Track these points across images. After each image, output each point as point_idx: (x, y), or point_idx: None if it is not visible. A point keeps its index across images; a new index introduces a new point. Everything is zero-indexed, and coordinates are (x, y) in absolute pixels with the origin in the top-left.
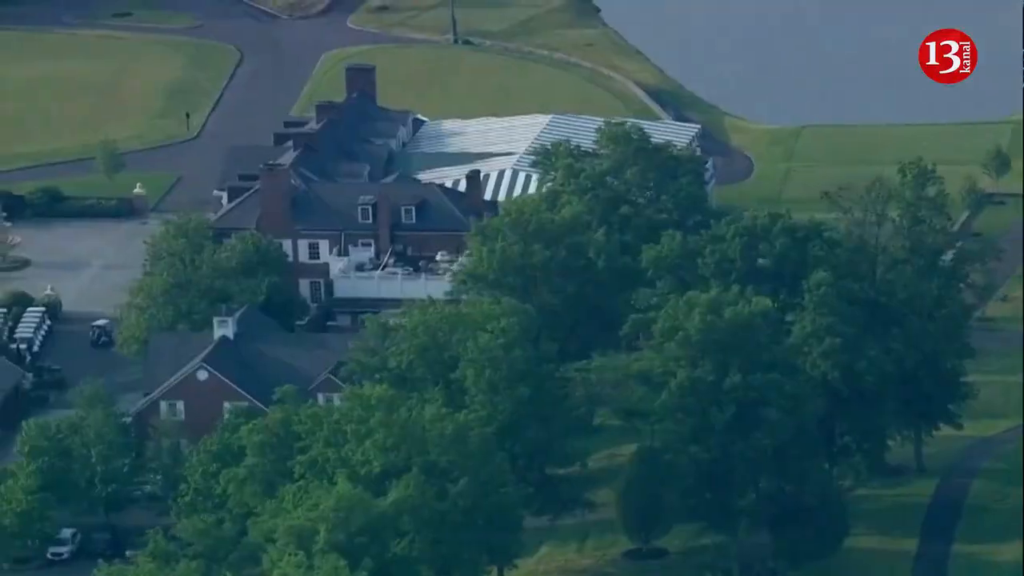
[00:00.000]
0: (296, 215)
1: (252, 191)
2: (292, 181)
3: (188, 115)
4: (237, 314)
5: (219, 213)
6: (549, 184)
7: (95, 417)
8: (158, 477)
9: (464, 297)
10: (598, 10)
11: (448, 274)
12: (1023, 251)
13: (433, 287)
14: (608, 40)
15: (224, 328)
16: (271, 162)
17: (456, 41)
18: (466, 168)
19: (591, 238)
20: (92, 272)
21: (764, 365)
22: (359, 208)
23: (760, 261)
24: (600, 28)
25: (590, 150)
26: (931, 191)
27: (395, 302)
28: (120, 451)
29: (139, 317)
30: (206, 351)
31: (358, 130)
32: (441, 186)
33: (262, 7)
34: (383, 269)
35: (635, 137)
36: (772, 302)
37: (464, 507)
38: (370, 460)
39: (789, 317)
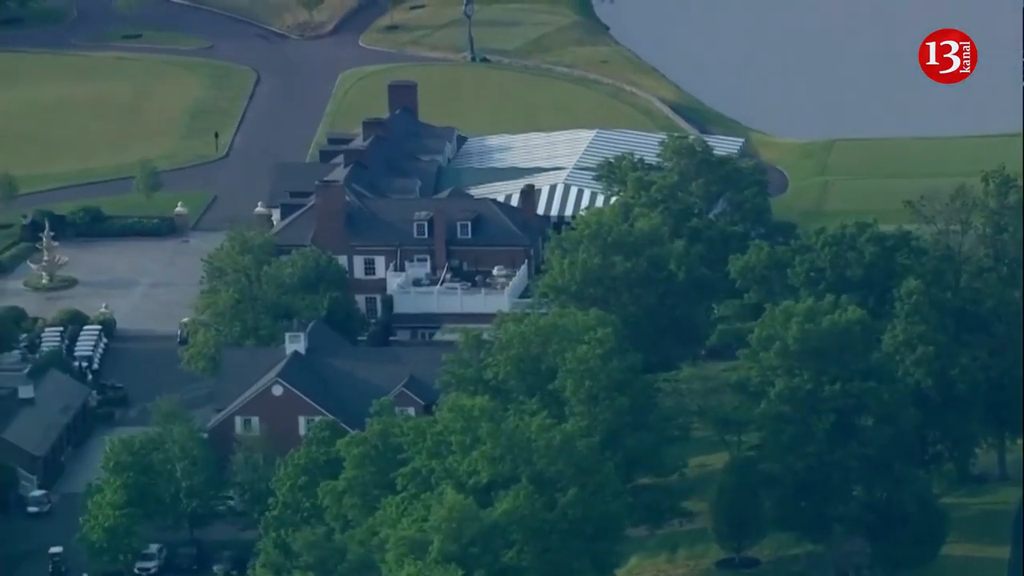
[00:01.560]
0: (351, 231)
1: (306, 208)
2: (347, 197)
3: (217, 135)
4: (308, 329)
5: (274, 230)
6: (614, 197)
7: (179, 433)
8: (245, 493)
9: (543, 310)
10: (607, 28)
11: (506, 288)
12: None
13: (493, 302)
14: (622, 57)
15: (296, 343)
16: (326, 179)
17: (474, 59)
18: (516, 183)
19: (671, 249)
20: (141, 290)
21: (861, 373)
22: (415, 224)
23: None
24: (612, 46)
25: (653, 163)
26: (1012, 199)
27: (455, 317)
28: (204, 466)
29: (206, 334)
30: (280, 366)
31: (405, 146)
32: (495, 201)
33: (272, 28)
34: (441, 284)
35: (699, 150)
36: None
37: (573, 517)
38: (478, 471)
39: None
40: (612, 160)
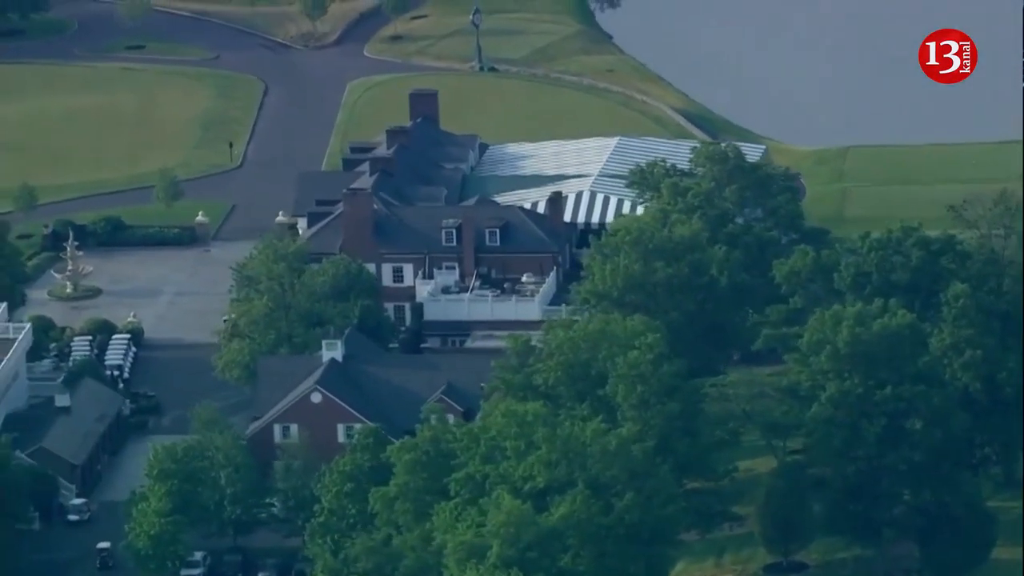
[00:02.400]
0: (379, 239)
1: (333, 216)
2: (374, 205)
3: (231, 144)
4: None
5: (301, 238)
6: (646, 204)
7: (222, 440)
8: (289, 500)
9: (578, 317)
10: (610, 37)
11: (537, 295)
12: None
13: (524, 309)
14: (628, 66)
15: (333, 351)
16: (353, 187)
17: (482, 68)
18: (541, 190)
19: (712, 255)
20: (166, 299)
21: (911, 377)
22: (443, 231)
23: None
24: (617, 55)
25: (683, 169)
26: None
27: (485, 324)
28: (247, 473)
29: (241, 342)
30: (318, 374)
31: (429, 154)
32: (522, 208)
33: (275, 38)
34: (471, 292)
35: (731, 156)
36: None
37: (629, 522)
38: (533, 476)
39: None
40: (644, 167)
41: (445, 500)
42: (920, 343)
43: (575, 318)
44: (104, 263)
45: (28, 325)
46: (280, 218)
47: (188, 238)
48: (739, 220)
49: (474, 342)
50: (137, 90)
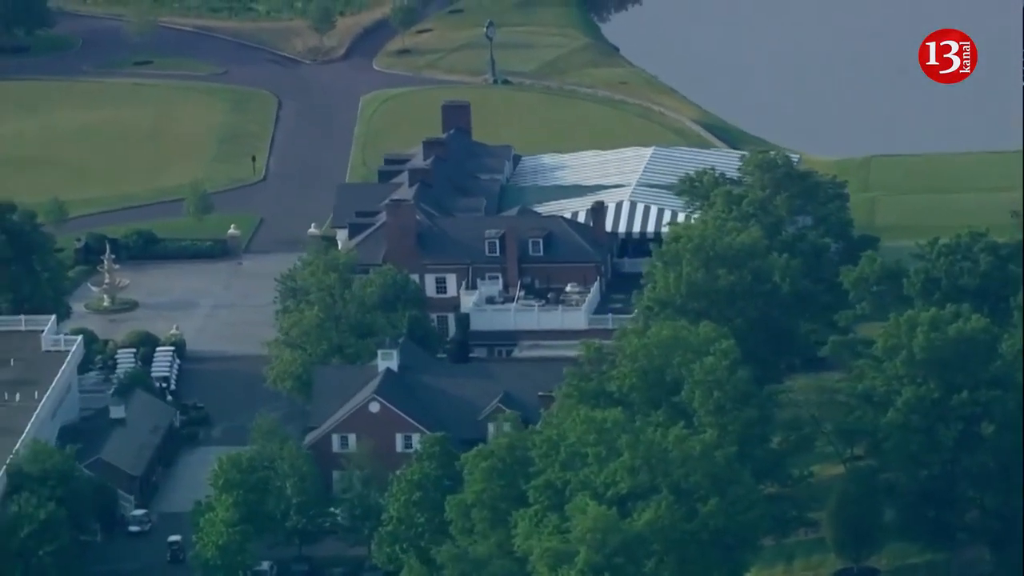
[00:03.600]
0: (422, 249)
1: (376, 227)
2: (417, 216)
3: (254, 158)
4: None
5: (343, 249)
6: (694, 213)
7: (288, 450)
8: (356, 509)
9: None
10: (617, 49)
11: (583, 305)
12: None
13: (570, 318)
14: (640, 78)
15: (388, 360)
16: (396, 197)
17: (496, 81)
18: (580, 200)
19: (773, 262)
20: (204, 312)
21: (985, 382)
22: (486, 241)
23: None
24: (626, 67)
25: (732, 177)
26: None
27: (532, 334)
28: (313, 483)
29: (293, 353)
30: (376, 383)
31: (465, 165)
32: (564, 218)
33: (283, 53)
34: (516, 302)
35: (780, 164)
36: None
37: (714, 527)
38: (616, 482)
39: None
40: (693, 175)
41: (521, 507)
42: (993, 348)
43: (649, 324)
44: (137, 276)
45: (80, 338)
46: (312, 230)
47: (220, 251)
48: (789, 228)
49: (521, 352)
50: (150, 105)
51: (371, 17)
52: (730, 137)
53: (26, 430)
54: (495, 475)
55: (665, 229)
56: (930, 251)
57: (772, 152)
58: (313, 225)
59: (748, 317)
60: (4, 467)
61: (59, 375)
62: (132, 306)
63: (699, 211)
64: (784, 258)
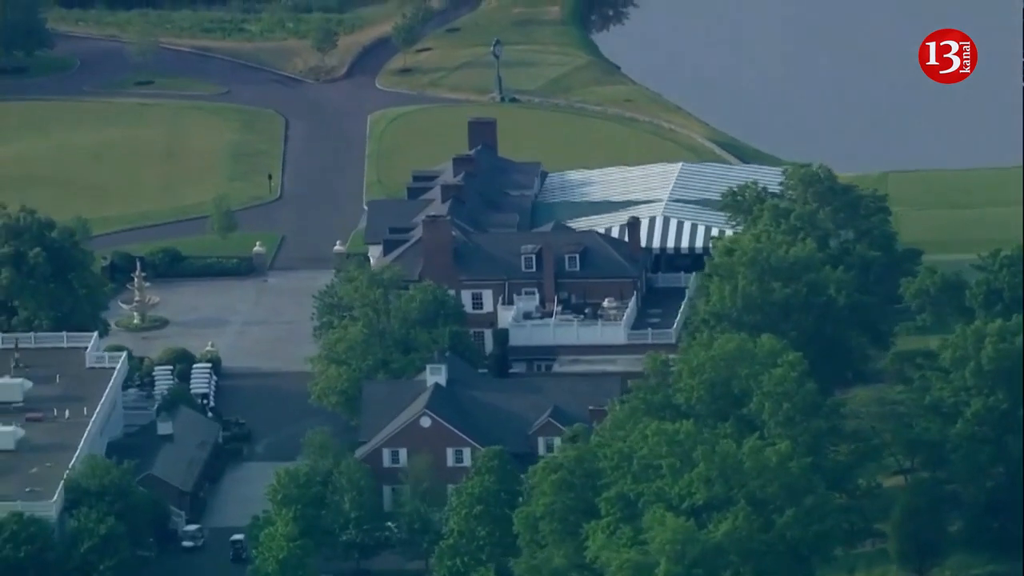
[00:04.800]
0: (458, 265)
1: (411, 243)
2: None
3: (271, 176)
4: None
5: (377, 265)
6: (739, 227)
7: (346, 465)
8: (415, 523)
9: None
10: (618, 67)
11: (622, 320)
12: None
13: (609, 333)
14: (644, 96)
15: (437, 375)
16: (431, 213)
17: (503, 99)
18: (613, 216)
19: (828, 275)
20: (235, 329)
21: None
22: (522, 257)
23: None
24: (630, 85)
25: (774, 192)
26: None
27: (571, 349)
28: (371, 497)
29: (338, 368)
30: (425, 398)
31: (495, 181)
32: (599, 233)
33: (284, 72)
34: (555, 317)
35: (823, 177)
36: None
37: (791, 538)
38: (692, 493)
39: None
40: (735, 189)
41: (590, 519)
42: None
43: (714, 337)
44: (164, 294)
45: (124, 354)
46: (338, 247)
47: (246, 268)
48: (832, 241)
49: (561, 367)
50: (158, 124)
51: (369, 36)
52: (742, 154)
53: (80, 446)
54: (564, 487)
55: (699, 244)
56: (992, 262)
57: (815, 165)
58: (339, 242)
59: (803, 330)
60: (62, 482)
61: (107, 391)
62: (162, 324)
63: (741, 225)
64: (839, 271)
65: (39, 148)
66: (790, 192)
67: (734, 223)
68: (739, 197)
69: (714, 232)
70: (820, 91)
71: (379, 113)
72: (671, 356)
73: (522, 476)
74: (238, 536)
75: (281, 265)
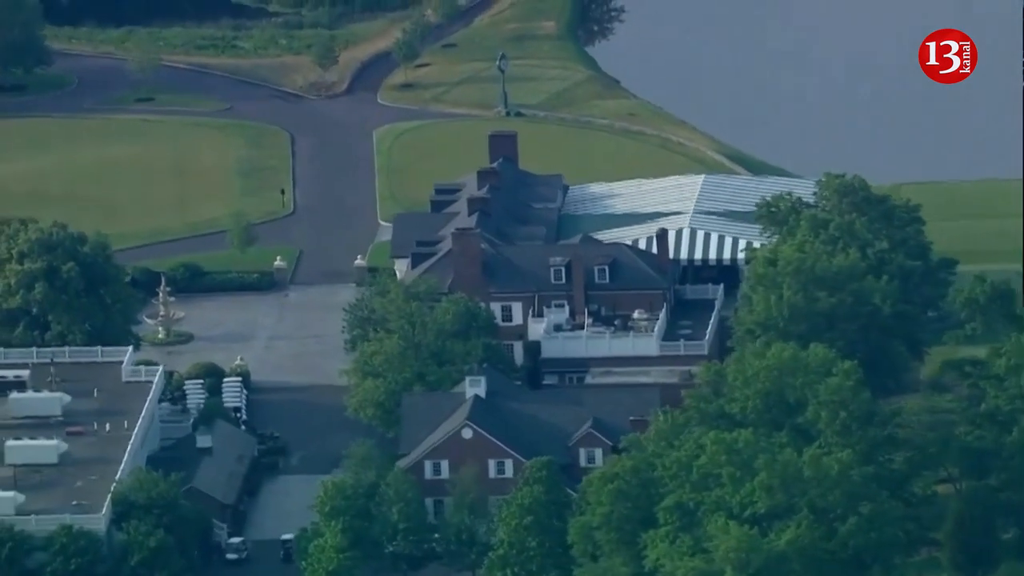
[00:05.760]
0: (488, 277)
1: (439, 256)
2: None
3: (283, 192)
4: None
5: (409, 279)
6: (772, 238)
7: (394, 476)
8: (462, 534)
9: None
10: (618, 81)
11: (654, 332)
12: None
13: (641, 345)
14: (646, 109)
15: (476, 387)
16: (461, 226)
17: (508, 113)
18: (639, 228)
19: (873, 284)
20: (261, 343)
21: None
22: (552, 269)
23: None
24: (632, 99)
25: (808, 202)
26: None
27: (603, 361)
28: (418, 508)
29: (374, 381)
30: (466, 410)
31: (518, 194)
32: (627, 245)
33: (284, 88)
34: (587, 329)
35: (859, 188)
36: None
37: (854, 546)
38: (754, 502)
39: None
40: (770, 200)
41: (648, 528)
42: None
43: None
44: (186, 309)
45: (161, 368)
46: (359, 262)
47: (267, 283)
48: (868, 251)
49: (593, 379)
50: (163, 141)
51: (366, 52)
52: (750, 166)
53: (124, 459)
54: (621, 497)
55: (727, 256)
56: None
57: (849, 176)
58: (359, 257)
59: (848, 339)
60: (109, 495)
61: (146, 404)
62: (187, 338)
63: (776, 236)
64: (884, 281)
65: (45, 165)
66: (823, 203)
67: (768, 234)
68: (773, 208)
69: (741, 244)
70: (819, 99)
71: (385, 128)
72: (722, 366)
73: (567, 489)
74: (288, 536)
75: (300, 280)
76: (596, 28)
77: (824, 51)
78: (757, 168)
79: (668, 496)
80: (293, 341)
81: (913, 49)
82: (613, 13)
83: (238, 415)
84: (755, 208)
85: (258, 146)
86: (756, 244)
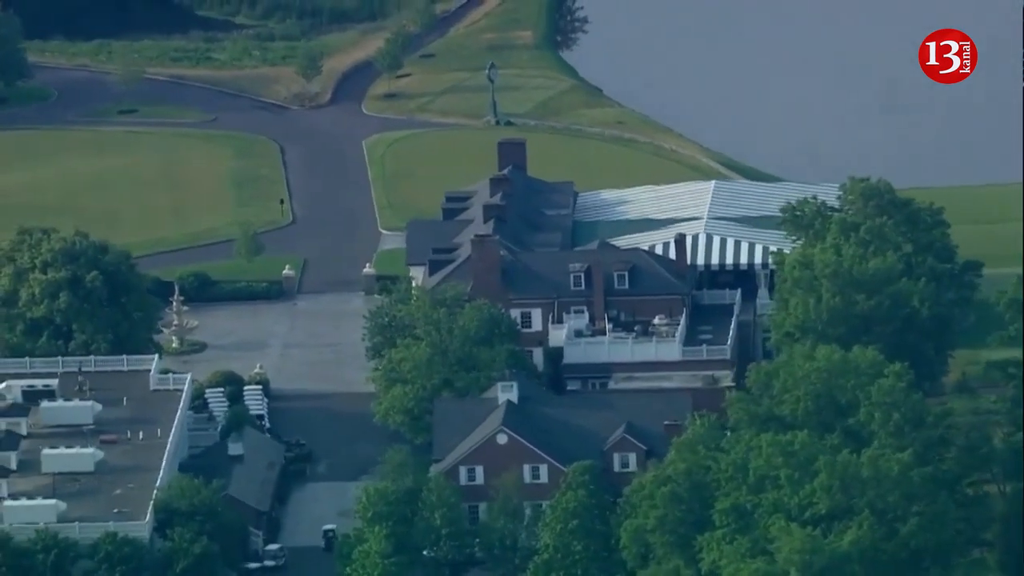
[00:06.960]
0: (507, 284)
1: (458, 263)
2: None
3: (283, 201)
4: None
5: (425, 285)
6: (796, 242)
7: (436, 482)
8: (506, 539)
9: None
10: (600, 90)
11: (676, 337)
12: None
13: (664, 350)
14: (634, 118)
15: (508, 392)
16: (480, 233)
17: (498, 122)
18: (655, 234)
19: (911, 287)
20: (276, 351)
21: None
22: (571, 275)
23: None
24: (617, 107)
25: (833, 207)
26: None
27: (625, 366)
28: (460, 514)
29: (403, 388)
30: (500, 415)
31: (531, 201)
32: (645, 251)
33: (267, 99)
34: (609, 335)
35: (884, 191)
36: None
37: (915, 547)
38: (814, 503)
39: None
40: (794, 204)
41: (702, 530)
42: None
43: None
44: (197, 318)
45: (189, 375)
46: (367, 270)
47: (276, 292)
48: (897, 254)
49: (615, 384)
50: (152, 152)
51: (344, 62)
52: (744, 172)
53: (162, 467)
54: (675, 499)
55: (743, 261)
56: None
57: (874, 179)
58: (367, 265)
59: (886, 341)
60: (151, 502)
61: (178, 412)
62: (201, 347)
63: (801, 240)
64: (921, 283)
65: (39, 177)
66: (848, 206)
67: (793, 238)
68: (798, 212)
69: (758, 248)
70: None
71: (374, 138)
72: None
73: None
74: (330, 526)
75: (307, 289)
76: (559, 39)
77: (824, 52)
78: (752, 175)
79: (724, 498)
80: (307, 349)
81: (913, 48)
82: (578, 23)
83: (262, 422)
84: (778, 212)
85: (248, 157)
86: (773, 248)
